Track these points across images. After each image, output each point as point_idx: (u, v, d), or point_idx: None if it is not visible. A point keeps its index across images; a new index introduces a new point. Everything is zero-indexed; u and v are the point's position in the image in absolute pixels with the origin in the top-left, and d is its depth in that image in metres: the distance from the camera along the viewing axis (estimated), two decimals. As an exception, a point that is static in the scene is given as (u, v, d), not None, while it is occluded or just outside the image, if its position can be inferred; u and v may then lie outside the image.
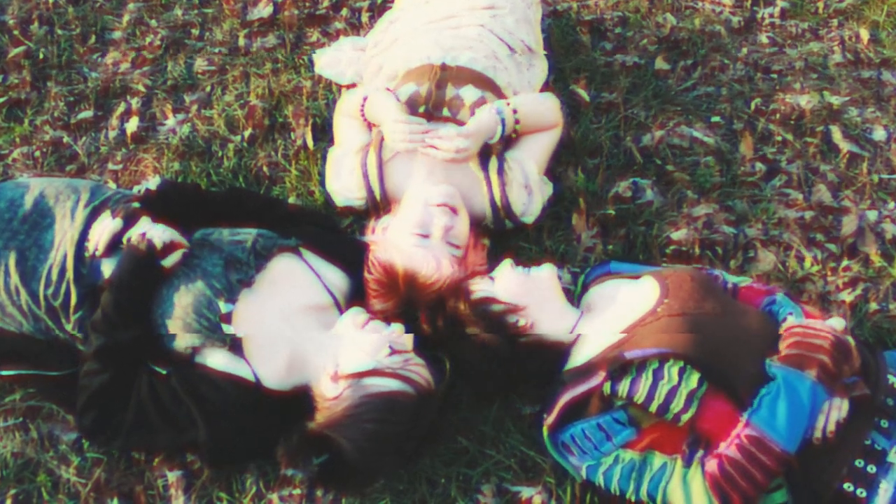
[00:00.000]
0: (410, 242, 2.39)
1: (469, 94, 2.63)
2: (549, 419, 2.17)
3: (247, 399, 2.19)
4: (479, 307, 2.27)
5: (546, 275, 2.33)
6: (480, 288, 2.30)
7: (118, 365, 2.20)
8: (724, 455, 2.01)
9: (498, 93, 2.68)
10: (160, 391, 2.18)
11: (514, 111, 2.60)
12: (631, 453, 2.10)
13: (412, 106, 2.62)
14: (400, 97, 2.63)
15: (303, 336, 2.27)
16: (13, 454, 2.31)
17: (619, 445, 2.11)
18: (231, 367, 2.21)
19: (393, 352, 2.20)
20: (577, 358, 2.24)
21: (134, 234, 2.27)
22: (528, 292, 2.29)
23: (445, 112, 2.62)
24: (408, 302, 2.35)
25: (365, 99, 2.63)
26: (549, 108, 2.70)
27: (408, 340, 2.25)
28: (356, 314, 2.30)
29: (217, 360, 2.22)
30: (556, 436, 2.18)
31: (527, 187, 2.59)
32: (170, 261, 2.27)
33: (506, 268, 2.35)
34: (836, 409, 2.05)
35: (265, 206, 2.60)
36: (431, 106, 2.63)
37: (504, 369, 2.28)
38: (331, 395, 2.18)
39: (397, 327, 2.26)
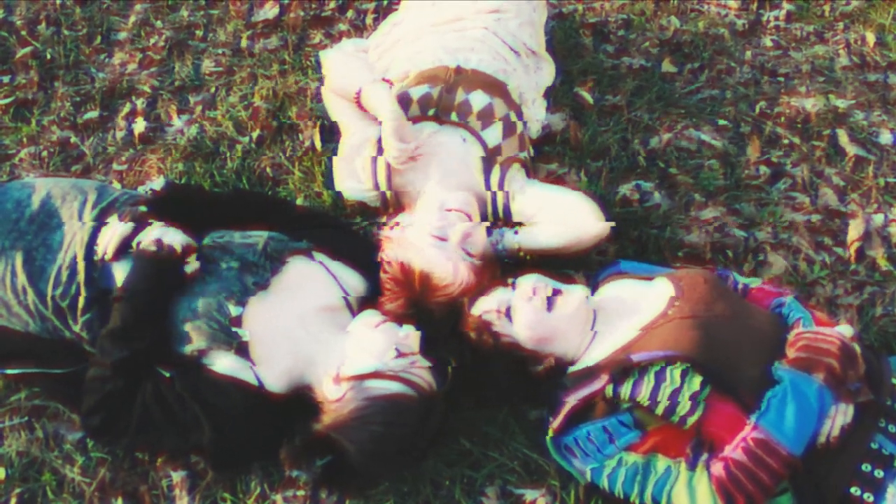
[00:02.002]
0: (428, 243, 2.38)
1: (478, 99, 2.63)
2: (555, 423, 2.16)
3: (249, 403, 2.18)
4: (505, 351, 2.27)
5: (577, 300, 2.28)
6: (507, 332, 2.27)
7: (132, 373, 2.18)
8: (731, 458, 2.00)
9: (507, 98, 2.67)
10: (165, 394, 2.17)
11: (518, 248, 2.53)
12: (634, 456, 2.09)
13: (423, 107, 2.62)
14: (413, 97, 2.63)
15: (313, 338, 2.27)
16: (18, 453, 2.31)
17: (623, 448, 2.10)
18: (236, 370, 2.20)
19: (399, 354, 2.19)
20: (586, 360, 2.24)
21: (145, 239, 2.26)
22: (552, 329, 2.27)
23: (454, 117, 2.62)
24: (419, 302, 2.35)
25: (359, 92, 2.58)
26: (569, 239, 2.53)
27: (414, 342, 2.23)
28: (370, 316, 2.29)
29: (223, 363, 2.21)
30: (559, 439, 2.17)
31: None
32: (191, 267, 2.27)
33: (525, 298, 2.29)
34: (842, 415, 2.05)
35: (273, 207, 2.60)
36: (441, 109, 2.63)
37: (521, 391, 2.31)
38: (333, 397, 2.17)
39: (409, 329, 2.25)
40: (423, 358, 2.23)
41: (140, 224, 2.31)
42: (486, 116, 2.61)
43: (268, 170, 2.88)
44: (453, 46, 2.72)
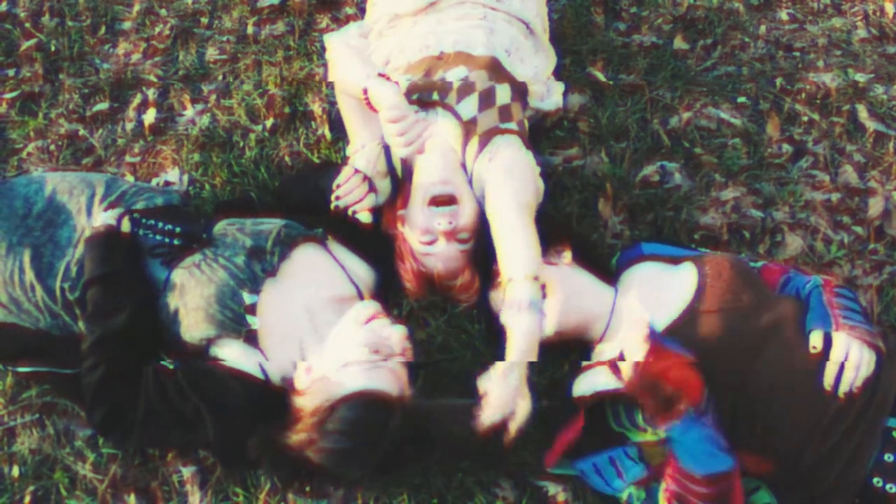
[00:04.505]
0: (420, 251, 2.40)
1: (455, 74, 2.55)
2: (551, 458, 2.17)
3: (253, 397, 2.16)
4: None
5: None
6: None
7: (113, 355, 2.18)
8: (669, 489, 2.00)
9: (496, 72, 2.58)
10: (167, 387, 2.16)
11: (535, 278, 2.26)
12: (642, 490, 2.07)
13: (408, 95, 2.55)
14: (400, 87, 2.58)
15: (314, 329, 2.25)
16: (30, 451, 2.33)
17: (630, 482, 2.08)
18: (241, 361, 2.19)
19: (375, 351, 2.15)
20: (604, 353, 2.23)
21: (87, 231, 2.30)
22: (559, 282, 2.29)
23: (435, 96, 2.55)
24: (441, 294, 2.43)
25: (365, 91, 2.47)
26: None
27: (396, 343, 2.18)
28: (362, 309, 2.26)
29: (229, 352, 2.20)
30: (573, 463, 2.18)
31: None
32: (126, 226, 2.30)
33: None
34: (866, 365, 2.01)
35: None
36: (423, 92, 2.57)
37: None
38: (301, 387, 2.15)
39: (397, 329, 2.21)
40: (398, 361, 2.18)
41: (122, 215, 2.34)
42: (464, 90, 2.54)
43: (286, 158, 2.85)
44: (443, 33, 2.66)
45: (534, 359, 2.17)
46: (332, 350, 2.17)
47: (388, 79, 2.46)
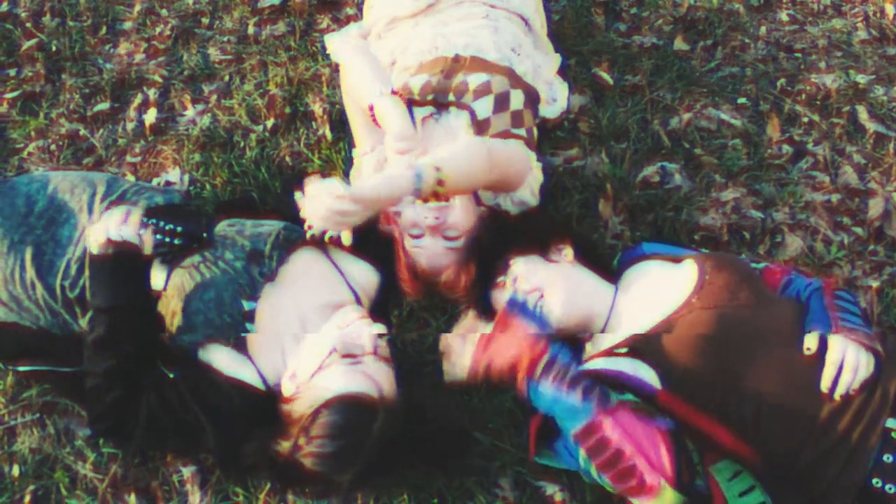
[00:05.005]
0: (409, 244, 2.40)
1: (475, 78, 2.57)
2: (531, 447, 2.18)
3: (251, 405, 2.15)
4: None
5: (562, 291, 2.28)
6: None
7: (127, 380, 2.15)
8: None
9: (512, 77, 2.62)
10: (169, 396, 2.14)
11: (437, 168, 2.25)
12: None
13: (423, 94, 2.58)
14: (413, 88, 2.59)
15: (305, 335, 2.23)
16: (31, 450, 2.33)
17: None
18: (238, 368, 2.18)
19: (346, 355, 2.14)
20: (599, 345, 2.22)
21: (93, 242, 2.21)
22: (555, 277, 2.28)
23: (451, 97, 2.57)
24: (433, 292, 2.41)
25: (371, 107, 2.48)
26: (484, 165, 2.37)
27: (367, 342, 2.17)
28: (345, 313, 2.24)
29: (223, 358, 2.18)
30: (552, 448, 2.18)
31: None
32: (148, 247, 2.23)
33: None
34: (864, 368, 2.01)
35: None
36: (439, 93, 2.57)
37: None
38: (287, 394, 2.15)
39: (374, 328, 2.20)
40: (380, 362, 2.17)
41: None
42: (481, 91, 2.55)
43: (287, 158, 2.85)
44: (450, 35, 2.66)
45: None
46: (310, 355, 2.16)
47: (401, 96, 2.46)
